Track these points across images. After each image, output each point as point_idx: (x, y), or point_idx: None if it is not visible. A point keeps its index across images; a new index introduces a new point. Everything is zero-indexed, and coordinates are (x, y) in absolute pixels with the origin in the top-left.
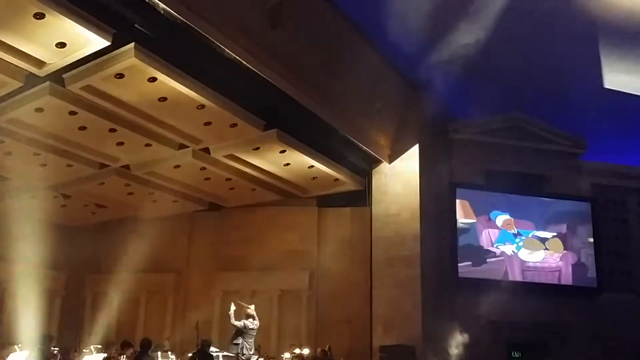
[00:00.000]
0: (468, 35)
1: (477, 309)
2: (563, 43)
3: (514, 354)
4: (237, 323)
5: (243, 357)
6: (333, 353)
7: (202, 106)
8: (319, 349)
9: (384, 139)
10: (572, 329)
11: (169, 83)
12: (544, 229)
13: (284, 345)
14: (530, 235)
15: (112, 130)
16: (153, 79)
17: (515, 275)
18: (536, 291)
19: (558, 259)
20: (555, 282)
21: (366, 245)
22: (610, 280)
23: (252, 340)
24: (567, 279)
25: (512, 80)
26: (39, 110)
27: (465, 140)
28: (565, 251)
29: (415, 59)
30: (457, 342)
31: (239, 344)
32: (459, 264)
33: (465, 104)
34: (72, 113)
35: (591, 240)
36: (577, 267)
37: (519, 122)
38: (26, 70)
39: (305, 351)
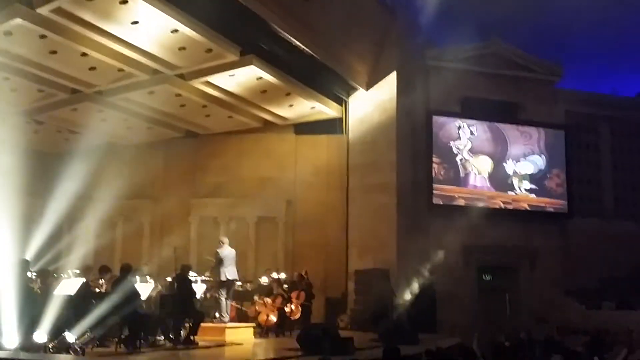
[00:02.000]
0: None
1: (450, 234)
2: None
3: (485, 277)
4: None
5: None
6: (309, 277)
7: (176, 30)
8: (295, 273)
9: (361, 66)
10: (541, 252)
11: (140, 6)
12: (518, 155)
13: (261, 270)
14: (503, 161)
15: (84, 54)
16: (124, 1)
17: (488, 201)
18: (508, 217)
19: (530, 185)
20: (527, 207)
21: (343, 172)
22: (580, 206)
23: (232, 266)
24: (538, 204)
25: (489, 7)
26: (8, 33)
27: (443, 68)
28: (537, 176)
29: None
30: (430, 265)
31: (220, 271)
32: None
33: (443, 30)
34: (42, 37)
35: (564, 166)
36: (549, 192)
37: (496, 50)
38: None
39: (282, 275)
